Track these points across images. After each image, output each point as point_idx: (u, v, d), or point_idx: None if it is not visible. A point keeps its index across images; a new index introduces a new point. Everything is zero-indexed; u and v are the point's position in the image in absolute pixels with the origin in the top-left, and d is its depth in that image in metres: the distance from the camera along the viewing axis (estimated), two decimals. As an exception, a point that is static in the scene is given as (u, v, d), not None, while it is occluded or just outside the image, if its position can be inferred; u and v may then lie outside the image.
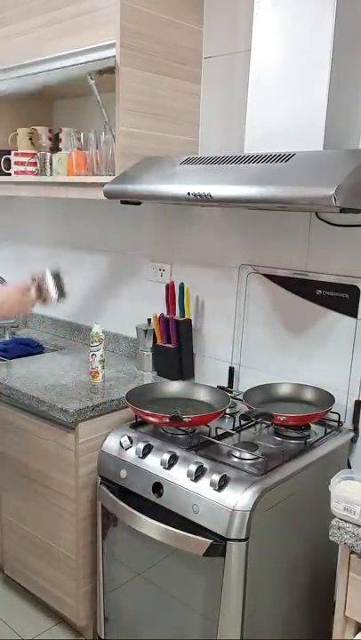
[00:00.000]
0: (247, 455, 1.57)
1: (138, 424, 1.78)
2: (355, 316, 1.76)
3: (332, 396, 1.76)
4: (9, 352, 2.39)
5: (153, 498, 1.57)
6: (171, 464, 1.56)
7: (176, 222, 2.21)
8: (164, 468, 1.56)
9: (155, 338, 2.18)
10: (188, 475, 1.51)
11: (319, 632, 1.80)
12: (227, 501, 1.42)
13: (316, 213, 1.81)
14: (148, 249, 2.33)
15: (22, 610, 2.16)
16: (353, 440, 1.80)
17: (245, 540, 1.41)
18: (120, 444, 1.69)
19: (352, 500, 1.29)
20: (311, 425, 1.76)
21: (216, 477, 1.45)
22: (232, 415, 1.81)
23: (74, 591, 1.93)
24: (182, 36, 1.95)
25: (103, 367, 2.05)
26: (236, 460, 1.57)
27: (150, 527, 1.55)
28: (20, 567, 2.15)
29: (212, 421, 1.68)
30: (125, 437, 1.69)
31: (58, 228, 2.68)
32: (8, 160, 2.26)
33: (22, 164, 2.22)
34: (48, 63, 2.02)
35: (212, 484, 1.46)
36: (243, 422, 1.76)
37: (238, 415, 1.77)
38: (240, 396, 1.84)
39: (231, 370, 2.08)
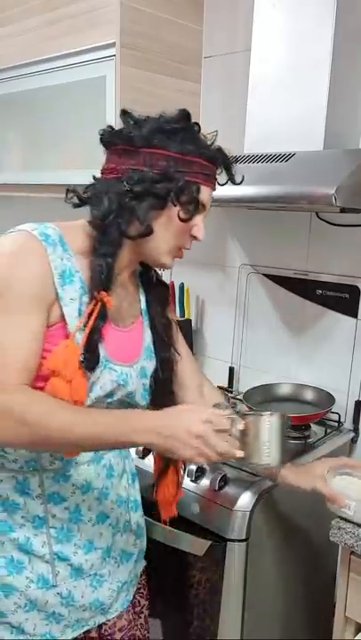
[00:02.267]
0: (247, 455, 1.57)
1: (138, 424, 1.78)
2: (355, 316, 1.76)
3: (332, 396, 1.76)
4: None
5: (153, 498, 1.57)
6: (171, 464, 1.56)
7: (176, 222, 2.21)
8: (164, 468, 1.56)
9: (155, 338, 2.17)
10: (189, 475, 1.51)
11: (319, 632, 1.80)
12: (227, 501, 1.42)
13: (317, 213, 1.81)
14: (147, 249, 2.33)
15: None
16: (353, 440, 1.79)
17: (245, 540, 1.41)
18: (120, 444, 1.69)
19: (347, 495, 1.28)
20: (311, 425, 1.76)
21: (216, 477, 1.45)
22: (232, 415, 1.80)
23: (74, 591, 1.93)
24: (182, 35, 1.94)
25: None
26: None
27: (150, 527, 1.55)
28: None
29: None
30: (125, 437, 1.69)
31: (58, 227, 2.67)
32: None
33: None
34: (48, 63, 2.02)
35: (212, 484, 1.46)
36: (243, 422, 1.75)
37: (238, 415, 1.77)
38: (240, 396, 1.83)
39: (231, 370, 2.08)
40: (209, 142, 1.06)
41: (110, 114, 1.83)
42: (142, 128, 1.03)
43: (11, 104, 2.22)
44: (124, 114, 1.06)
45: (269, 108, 1.61)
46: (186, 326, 2.10)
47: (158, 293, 1.20)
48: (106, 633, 1.20)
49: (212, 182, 1.07)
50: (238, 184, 1.11)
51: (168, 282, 2.14)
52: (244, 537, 1.41)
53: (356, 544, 1.26)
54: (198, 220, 1.07)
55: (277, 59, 1.59)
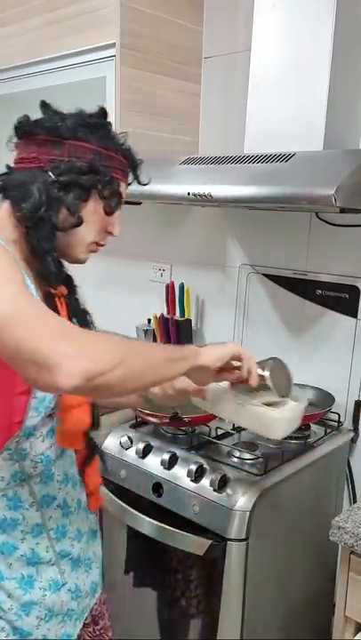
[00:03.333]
0: (247, 455, 1.57)
1: (138, 424, 1.78)
2: (355, 316, 1.76)
3: (332, 395, 1.76)
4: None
5: (153, 498, 1.57)
6: (171, 464, 1.56)
7: (176, 222, 2.21)
8: (164, 468, 1.56)
9: (155, 338, 2.18)
10: (188, 475, 1.51)
11: (319, 632, 1.80)
12: (227, 501, 1.42)
13: (317, 213, 1.81)
14: (148, 249, 2.33)
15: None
16: (353, 440, 1.79)
17: (245, 540, 1.41)
18: (120, 443, 1.69)
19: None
20: (311, 425, 1.76)
21: (216, 477, 1.45)
22: (232, 415, 1.80)
23: (74, 591, 1.93)
24: (182, 35, 1.95)
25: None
26: (236, 459, 1.56)
27: (150, 527, 1.55)
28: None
29: (212, 421, 1.68)
30: (125, 437, 1.69)
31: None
32: None
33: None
34: (48, 63, 2.02)
35: (212, 484, 1.46)
36: (243, 422, 1.76)
37: (238, 415, 1.77)
38: (240, 396, 1.83)
39: (231, 370, 2.08)
40: (121, 141, 1.08)
41: (110, 114, 1.82)
42: (66, 120, 1.02)
43: (11, 104, 2.22)
44: (44, 106, 1.06)
45: (269, 107, 1.61)
46: (186, 326, 2.10)
47: (71, 286, 1.20)
48: (97, 612, 1.22)
49: (126, 179, 1.10)
50: (145, 185, 1.15)
51: (168, 282, 2.15)
52: (244, 537, 1.41)
53: (356, 544, 1.26)
54: (116, 216, 1.09)
55: (277, 59, 1.59)
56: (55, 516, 1.08)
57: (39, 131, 1.01)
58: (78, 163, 1.00)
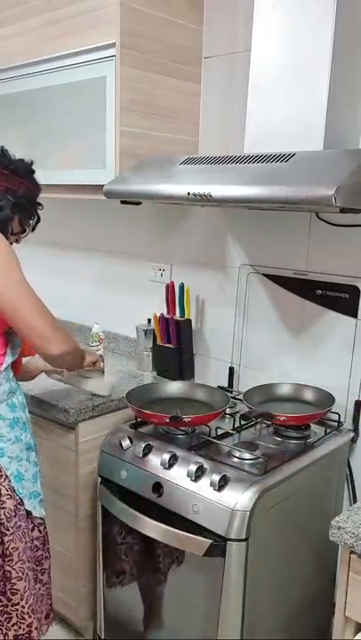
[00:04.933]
0: (247, 455, 1.57)
1: (138, 424, 1.78)
2: (355, 316, 1.76)
3: (332, 396, 1.76)
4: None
5: (153, 498, 1.57)
6: (171, 464, 1.56)
7: (176, 222, 2.21)
8: (164, 468, 1.56)
9: (155, 338, 2.18)
10: (188, 475, 1.51)
11: (319, 632, 1.80)
12: (227, 501, 1.42)
13: (317, 213, 1.81)
14: (148, 249, 2.33)
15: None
16: (353, 440, 1.80)
17: (245, 540, 1.41)
18: (120, 444, 1.69)
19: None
20: (311, 425, 1.76)
21: (216, 477, 1.45)
22: (232, 415, 1.81)
23: (74, 591, 1.93)
24: (182, 35, 1.95)
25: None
26: (236, 459, 1.57)
27: (150, 527, 1.55)
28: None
29: (212, 421, 1.68)
30: (125, 437, 1.69)
31: (57, 228, 2.68)
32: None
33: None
34: (48, 63, 2.02)
35: (212, 484, 1.46)
36: (243, 422, 1.76)
37: (238, 415, 1.77)
38: (240, 396, 1.83)
39: (231, 370, 2.08)
40: (40, 185, 1.60)
41: (110, 114, 1.83)
42: (19, 164, 1.52)
43: (11, 104, 2.22)
44: (2, 151, 1.52)
45: (269, 107, 1.61)
46: (186, 326, 2.10)
47: None
48: None
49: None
50: (33, 218, 1.61)
51: (168, 282, 2.15)
52: (244, 537, 1.41)
53: (356, 544, 1.26)
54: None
55: (277, 59, 1.59)
56: (27, 416, 1.59)
57: (2, 167, 1.49)
58: (25, 194, 1.51)
